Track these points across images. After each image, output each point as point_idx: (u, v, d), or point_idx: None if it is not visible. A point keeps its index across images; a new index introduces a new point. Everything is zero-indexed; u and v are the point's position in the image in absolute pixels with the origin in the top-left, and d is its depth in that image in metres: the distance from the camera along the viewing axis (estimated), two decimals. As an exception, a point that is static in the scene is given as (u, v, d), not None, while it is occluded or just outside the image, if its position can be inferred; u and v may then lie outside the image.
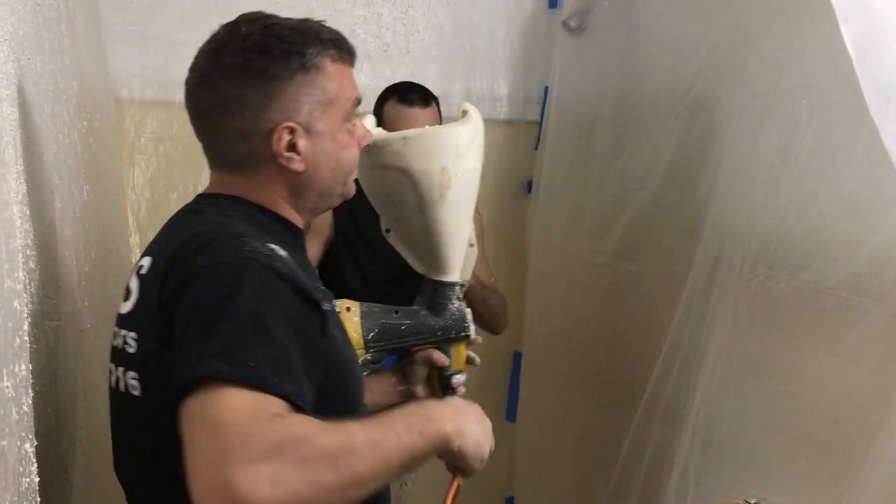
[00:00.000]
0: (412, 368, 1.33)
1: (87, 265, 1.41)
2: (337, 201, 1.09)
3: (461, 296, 1.35)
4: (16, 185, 0.92)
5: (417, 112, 1.85)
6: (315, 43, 1.00)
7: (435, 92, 2.53)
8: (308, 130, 1.00)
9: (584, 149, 2.29)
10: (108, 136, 1.78)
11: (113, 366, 0.99)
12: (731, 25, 1.76)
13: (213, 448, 0.74)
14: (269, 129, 0.98)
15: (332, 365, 0.97)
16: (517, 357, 2.76)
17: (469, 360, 1.37)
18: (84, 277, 1.39)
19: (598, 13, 2.30)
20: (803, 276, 1.50)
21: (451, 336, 1.33)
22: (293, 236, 1.05)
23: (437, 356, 1.32)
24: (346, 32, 2.42)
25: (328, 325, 0.94)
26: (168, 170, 2.20)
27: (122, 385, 0.96)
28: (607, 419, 2.11)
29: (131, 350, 0.95)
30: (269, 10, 1.04)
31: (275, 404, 0.79)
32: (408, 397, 1.33)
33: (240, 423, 0.75)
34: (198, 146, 1.07)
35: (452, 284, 1.32)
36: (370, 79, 2.26)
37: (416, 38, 2.49)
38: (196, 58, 1.02)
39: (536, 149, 2.64)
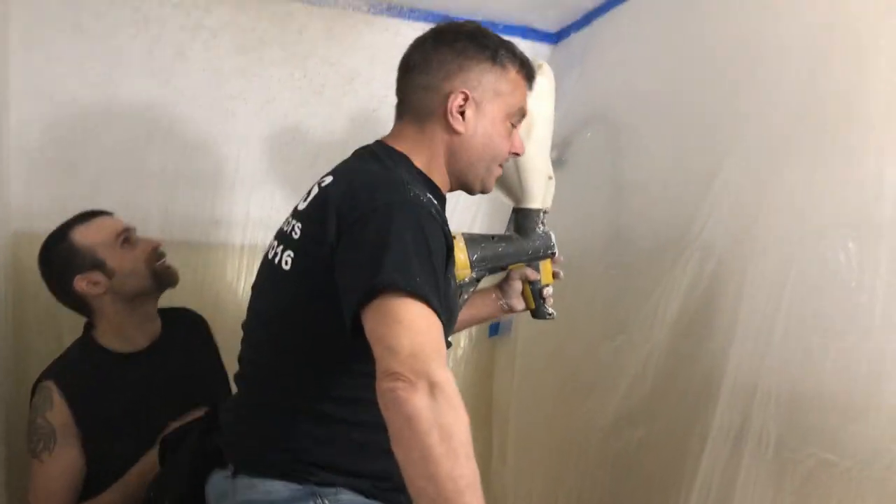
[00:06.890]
0: (509, 284, 1.63)
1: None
2: (476, 187, 1.32)
3: (544, 221, 1.59)
4: None
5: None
6: (509, 51, 1.30)
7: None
8: (477, 105, 1.27)
9: (571, 292, 2.03)
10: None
11: (276, 242, 1.24)
12: (743, 160, 1.54)
13: (408, 341, 0.94)
14: (449, 91, 1.26)
15: (446, 299, 1.12)
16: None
17: (555, 275, 1.64)
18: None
19: (579, 145, 2.10)
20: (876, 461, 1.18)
21: (539, 254, 1.59)
22: (437, 201, 1.25)
23: (531, 272, 1.61)
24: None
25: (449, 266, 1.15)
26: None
27: (277, 258, 1.21)
28: None
29: (296, 236, 1.19)
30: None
31: (433, 315, 0.99)
32: (507, 310, 1.65)
33: (422, 331, 0.96)
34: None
35: (538, 210, 1.58)
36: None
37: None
38: (418, 37, 1.31)
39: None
